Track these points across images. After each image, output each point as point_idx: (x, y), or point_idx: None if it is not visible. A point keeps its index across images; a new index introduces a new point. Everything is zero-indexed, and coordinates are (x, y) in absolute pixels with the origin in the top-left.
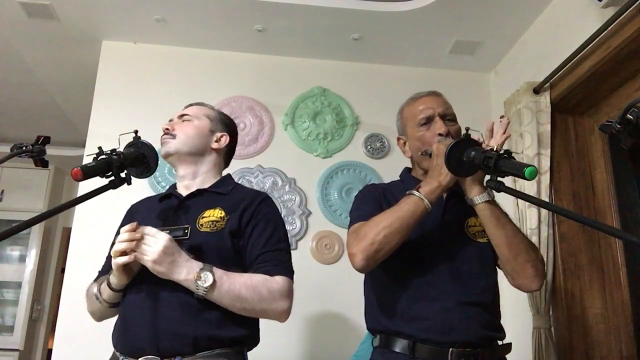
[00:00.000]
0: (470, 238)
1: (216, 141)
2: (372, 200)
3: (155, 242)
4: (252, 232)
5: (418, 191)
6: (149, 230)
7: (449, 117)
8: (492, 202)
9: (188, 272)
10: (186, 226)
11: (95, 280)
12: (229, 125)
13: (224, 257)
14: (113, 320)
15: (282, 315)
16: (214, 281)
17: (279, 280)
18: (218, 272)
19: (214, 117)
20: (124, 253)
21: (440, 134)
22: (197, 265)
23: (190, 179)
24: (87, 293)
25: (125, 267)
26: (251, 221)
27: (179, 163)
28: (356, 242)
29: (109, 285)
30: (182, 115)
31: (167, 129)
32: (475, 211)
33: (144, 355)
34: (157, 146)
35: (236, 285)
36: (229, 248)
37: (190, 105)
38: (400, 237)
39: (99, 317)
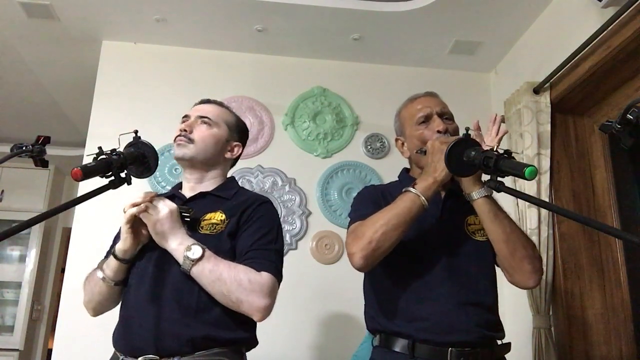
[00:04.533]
0: (469, 236)
1: (229, 150)
2: (370, 201)
3: (164, 206)
4: (246, 229)
5: (414, 188)
6: (160, 197)
7: (446, 115)
8: (490, 197)
9: (180, 242)
10: (190, 208)
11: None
12: (243, 134)
13: (226, 251)
14: (113, 319)
15: (259, 312)
16: (201, 256)
17: (263, 275)
18: (208, 251)
19: (232, 125)
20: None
21: (439, 131)
22: (191, 240)
23: (197, 183)
24: (87, 279)
25: (133, 228)
26: (247, 221)
27: (189, 167)
28: (354, 241)
29: (114, 255)
30: (202, 117)
31: (185, 130)
32: (474, 210)
33: (143, 355)
34: (157, 146)
35: (220, 266)
36: (227, 250)
37: (208, 101)
38: (398, 234)
39: (97, 304)
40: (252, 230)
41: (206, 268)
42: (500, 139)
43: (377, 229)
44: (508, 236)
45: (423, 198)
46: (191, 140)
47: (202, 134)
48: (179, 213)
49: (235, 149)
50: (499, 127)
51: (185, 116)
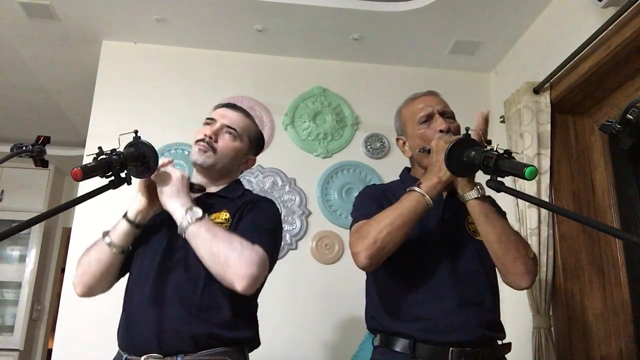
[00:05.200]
0: (470, 236)
1: (244, 163)
2: (373, 200)
3: (176, 170)
4: (245, 218)
5: (419, 187)
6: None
7: (447, 114)
8: (482, 198)
9: (183, 204)
10: (202, 186)
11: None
12: (260, 148)
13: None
14: (113, 319)
15: (243, 279)
16: (201, 217)
17: (255, 247)
18: (207, 217)
19: (254, 139)
20: None
21: (441, 131)
22: (195, 206)
23: (206, 186)
24: (84, 252)
25: (149, 189)
26: (248, 212)
27: (203, 172)
28: (359, 241)
29: (125, 216)
30: (229, 127)
31: (210, 137)
32: None
33: (146, 354)
34: (157, 146)
35: (216, 229)
36: None
37: (234, 107)
38: (403, 234)
39: (91, 277)
40: (250, 218)
41: (202, 228)
42: (484, 127)
43: (382, 229)
44: (499, 237)
45: (428, 197)
46: (214, 150)
47: (226, 145)
48: (189, 182)
49: (250, 162)
50: (484, 123)
51: (210, 119)
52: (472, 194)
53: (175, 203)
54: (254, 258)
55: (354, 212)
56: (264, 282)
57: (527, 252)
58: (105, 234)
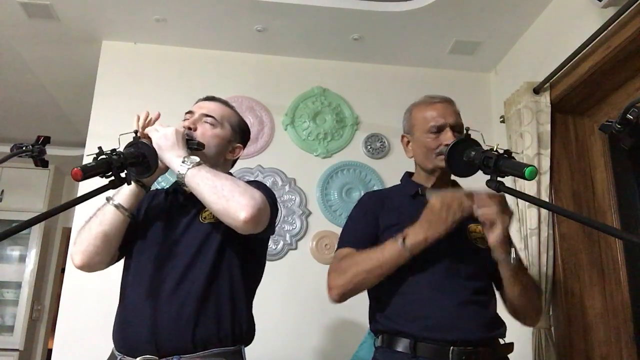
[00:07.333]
0: (470, 241)
1: (231, 152)
2: (366, 214)
3: (171, 126)
4: None
5: (404, 240)
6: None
7: (458, 128)
8: (512, 263)
9: (179, 155)
10: (201, 142)
11: None
12: (245, 135)
13: (228, 241)
14: (113, 320)
15: (247, 207)
16: (199, 163)
17: (258, 191)
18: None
19: (236, 125)
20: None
21: (447, 145)
22: (192, 155)
23: None
24: (87, 219)
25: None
26: None
27: None
28: (337, 276)
29: (129, 181)
30: (207, 116)
31: (189, 128)
32: (475, 217)
33: (142, 355)
34: None
35: (217, 171)
36: (231, 232)
37: (213, 99)
38: (377, 280)
39: (92, 240)
40: None
41: (203, 170)
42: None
43: (359, 273)
44: (521, 293)
45: (409, 253)
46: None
47: (206, 133)
48: (185, 137)
49: (237, 151)
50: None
51: (189, 112)
52: (506, 259)
53: (171, 154)
54: (256, 196)
55: (344, 230)
56: (260, 274)
57: (541, 302)
58: (109, 199)
